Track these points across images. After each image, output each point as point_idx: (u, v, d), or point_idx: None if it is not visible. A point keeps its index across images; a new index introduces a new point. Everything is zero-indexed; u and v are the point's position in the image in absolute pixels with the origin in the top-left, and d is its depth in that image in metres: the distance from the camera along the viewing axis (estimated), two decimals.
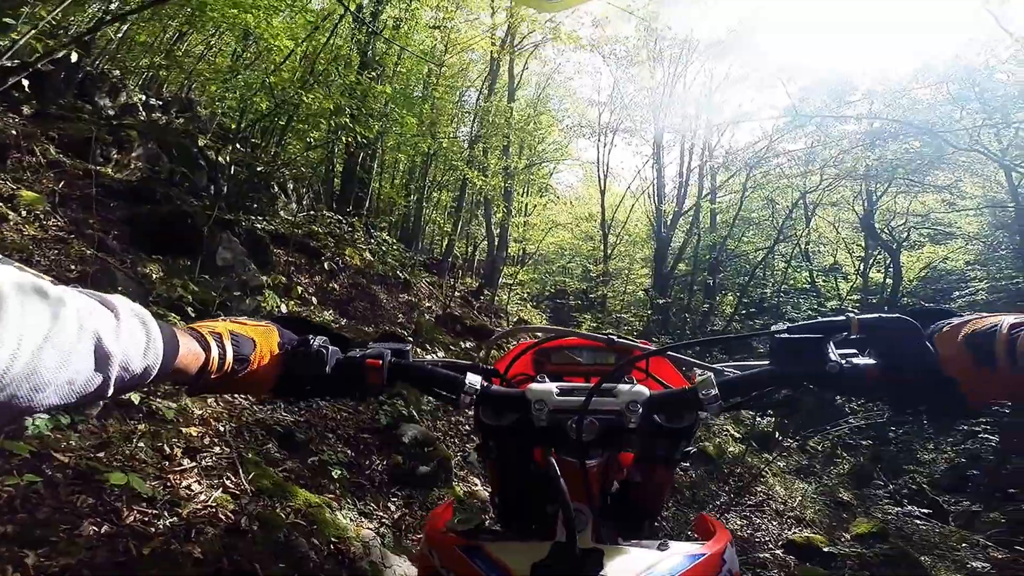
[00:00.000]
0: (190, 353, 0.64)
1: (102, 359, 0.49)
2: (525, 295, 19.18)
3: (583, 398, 0.71)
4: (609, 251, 21.04)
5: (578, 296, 25.04)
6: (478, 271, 18.26)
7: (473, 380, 0.77)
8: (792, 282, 18.50)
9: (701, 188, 18.98)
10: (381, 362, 0.79)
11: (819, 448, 9.81)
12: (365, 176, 12.08)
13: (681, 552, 0.68)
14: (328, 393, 0.82)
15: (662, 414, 0.73)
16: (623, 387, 0.74)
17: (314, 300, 8.11)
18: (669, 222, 17.07)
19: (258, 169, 9.08)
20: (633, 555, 0.67)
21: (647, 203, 23.82)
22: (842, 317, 0.70)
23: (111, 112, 9.39)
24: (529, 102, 17.44)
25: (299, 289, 7.81)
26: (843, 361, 0.68)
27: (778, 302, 19.46)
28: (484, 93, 15.22)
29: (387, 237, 10.15)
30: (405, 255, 10.68)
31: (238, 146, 9.66)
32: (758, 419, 9.57)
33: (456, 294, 13.90)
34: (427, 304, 10.88)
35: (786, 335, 0.72)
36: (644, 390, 0.74)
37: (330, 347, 0.80)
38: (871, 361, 0.68)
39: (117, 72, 10.40)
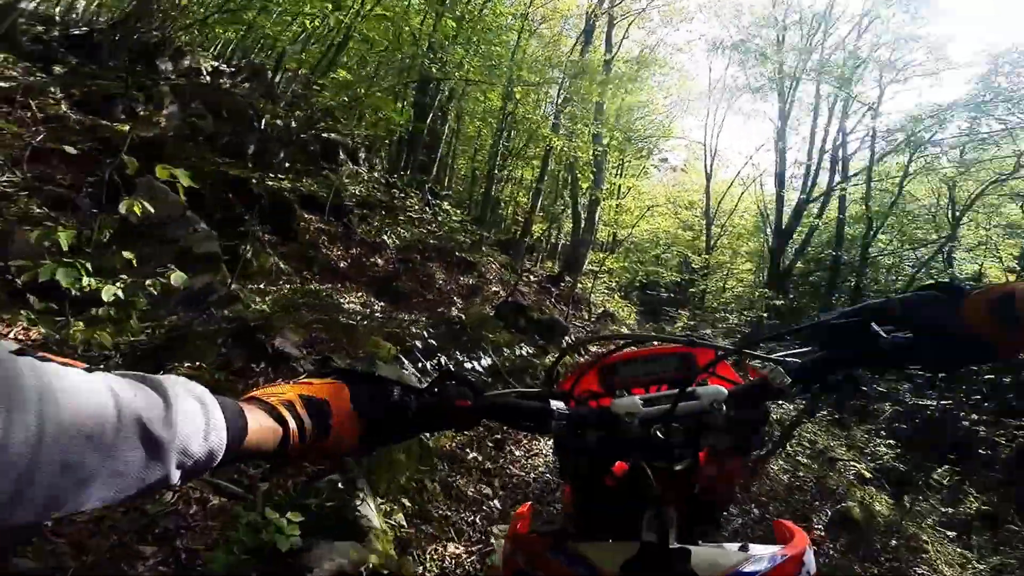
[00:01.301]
0: (263, 429, 0.57)
1: (152, 448, 0.44)
2: (612, 284, 16.91)
3: (666, 406, 0.72)
4: (712, 242, 18.20)
5: (671, 289, 22.34)
6: (561, 256, 16.22)
7: (559, 406, 0.75)
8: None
9: (833, 173, 15.46)
10: (470, 403, 0.75)
11: (944, 483, 7.25)
12: (434, 142, 10.40)
13: (763, 553, 0.70)
14: (411, 437, 0.78)
15: (737, 409, 0.73)
16: (702, 389, 0.74)
17: (344, 276, 6.55)
18: (791, 212, 13.92)
19: (293, 126, 7.58)
20: (718, 554, 0.69)
21: (757, 192, 20.64)
22: (885, 299, 0.72)
23: (171, 76, 8.57)
24: (628, 71, 14.90)
25: (318, 262, 6.32)
26: (890, 337, 0.69)
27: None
28: (575, 61, 12.97)
29: (448, 207, 8.34)
30: (470, 229, 8.84)
31: (287, 108, 8.33)
32: (880, 447, 7.48)
33: (532, 279, 12.00)
34: (493, 289, 9.08)
35: (836, 320, 0.74)
36: (722, 389, 0.73)
37: (402, 389, 0.72)
38: (910, 335, 0.69)
39: (185, 38, 9.99)
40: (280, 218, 6.69)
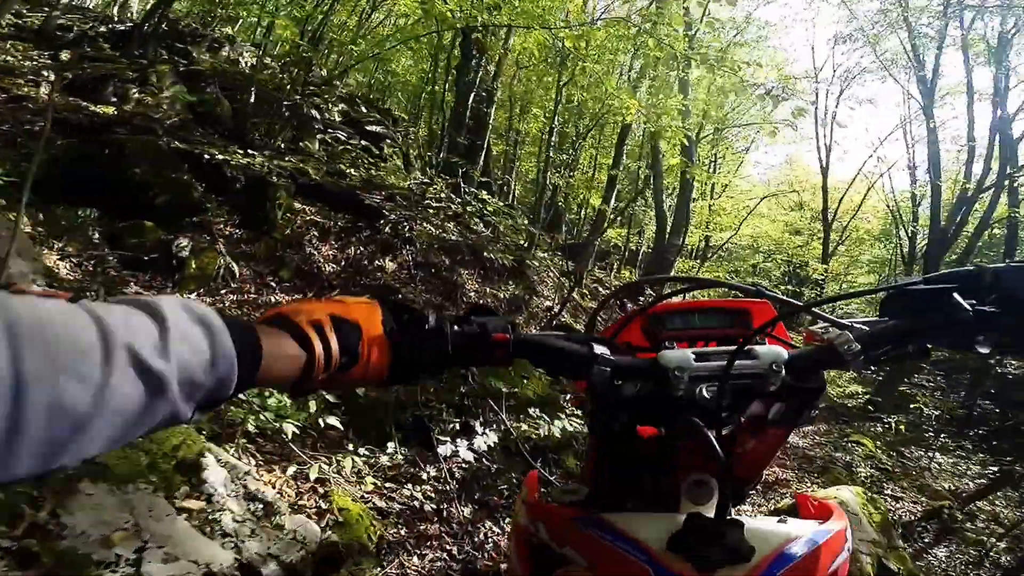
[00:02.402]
0: (284, 356, 0.50)
1: (150, 380, 0.38)
2: (704, 298, 14.20)
3: (720, 362, 0.63)
4: (830, 248, 14.86)
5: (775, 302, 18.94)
6: (642, 264, 13.68)
7: (603, 351, 0.65)
8: None
9: (990, 157, 11.59)
10: (509, 337, 0.65)
11: None
12: (479, 127, 8.42)
13: (806, 529, 0.65)
14: (442, 373, 0.66)
15: (793, 375, 0.64)
16: (761, 348, 0.65)
17: (328, 283, 4.64)
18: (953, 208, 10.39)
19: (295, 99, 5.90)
20: (768, 527, 0.63)
21: (887, 186, 16.88)
22: (972, 268, 0.62)
23: (195, 63, 7.63)
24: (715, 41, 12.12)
25: (293, 263, 4.48)
26: (972, 309, 0.59)
27: None
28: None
29: (488, 197, 6.23)
30: (518, 224, 6.69)
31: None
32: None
33: (601, 291, 9.65)
34: (547, 304, 6.91)
35: (915, 286, 0.65)
36: (782, 351, 0.64)
37: (451, 326, 0.64)
38: (998, 309, 0.59)
39: (228, 31, 9.84)
40: (256, 206, 4.95)
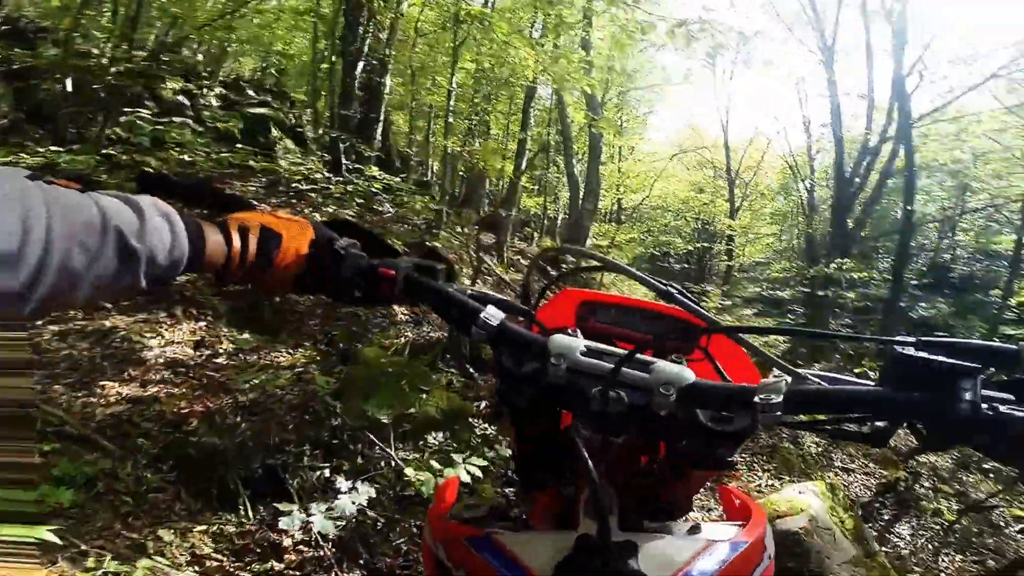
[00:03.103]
0: (215, 247, 0.59)
1: (128, 256, 0.48)
2: (625, 261, 13.97)
3: (609, 365, 0.55)
4: (736, 205, 15.11)
5: (684, 259, 19.32)
6: (562, 231, 13.24)
7: (493, 313, 0.60)
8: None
9: (892, 111, 11.69)
10: (395, 273, 0.66)
11: None
12: (372, 99, 7.43)
13: (719, 539, 0.57)
14: (343, 297, 0.69)
15: (707, 410, 0.53)
16: (664, 364, 0.54)
17: (178, 291, 3.70)
18: (854, 162, 10.52)
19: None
20: (669, 546, 0.55)
21: (786, 142, 17.39)
22: (1013, 346, 0.46)
23: None
24: None
25: None
26: (982, 403, 0.42)
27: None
28: None
29: (379, 173, 5.32)
30: (417, 199, 5.87)
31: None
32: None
33: (523, 262, 9.07)
34: (466, 283, 6.21)
35: (911, 352, 0.45)
36: (688, 374, 0.53)
37: (356, 252, 0.67)
38: None
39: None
40: None
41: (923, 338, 0.49)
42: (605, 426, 0.56)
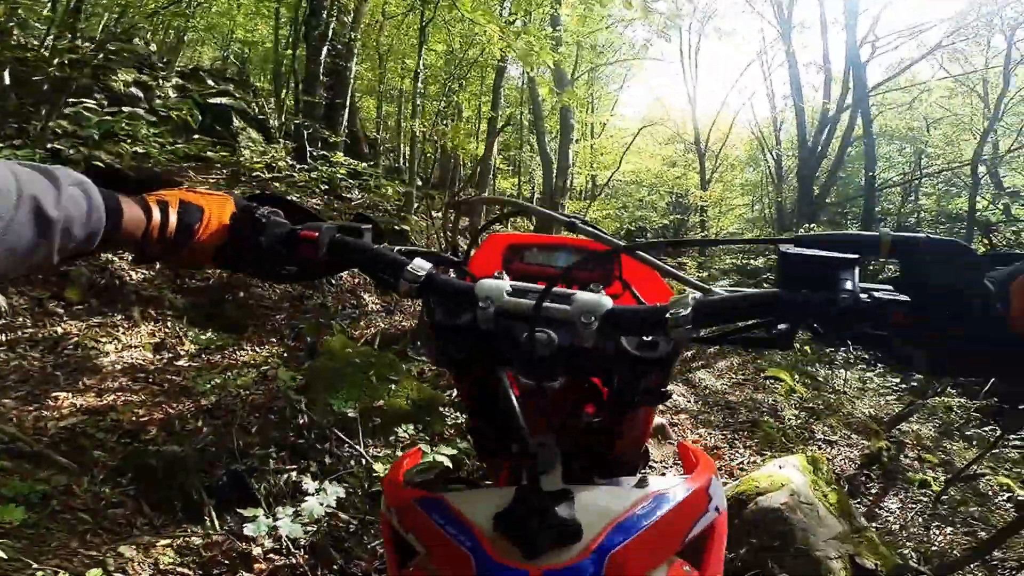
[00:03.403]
0: (133, 219, 0.57)
1: (42, 225, 0.46)
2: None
3: (531, 301, 0.53)
4: (707, 176, 15.12)
5: (660, 233, 19.35)
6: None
7: (420, 265, 0.58)
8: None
9: (847, 81, 11.78)
10: (317, 235, 0.61)
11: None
12: (337, 85, 7.14)
13: (663, 488, 0.55)
14: (267, 267, 0.64)
15: (631, 338, 0.53)
16: (583, 295, 0.54)
17: (142, 298, 3.50)
18: (815, 130, 10.51)
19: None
20: (608, 495, 0.53)
21: (752, 113, 17.43)
22: (873, 233, 0.46)
23: None
24: None
25: (83, 280, 3.29)
26: (861, 292, 0.44)
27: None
28: None
29: (344, 159, 5.09)
30: (384, 184, 5.67)
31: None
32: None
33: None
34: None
35: (793, 251, 0.48)
36: (605, 301, 0.53)
37: (277, 219, 0.64)
38: (902, 297, 0.44)
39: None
40: None
41: (800, 235, 0.50)
42: (537, 369, 0.55)
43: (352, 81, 8.08)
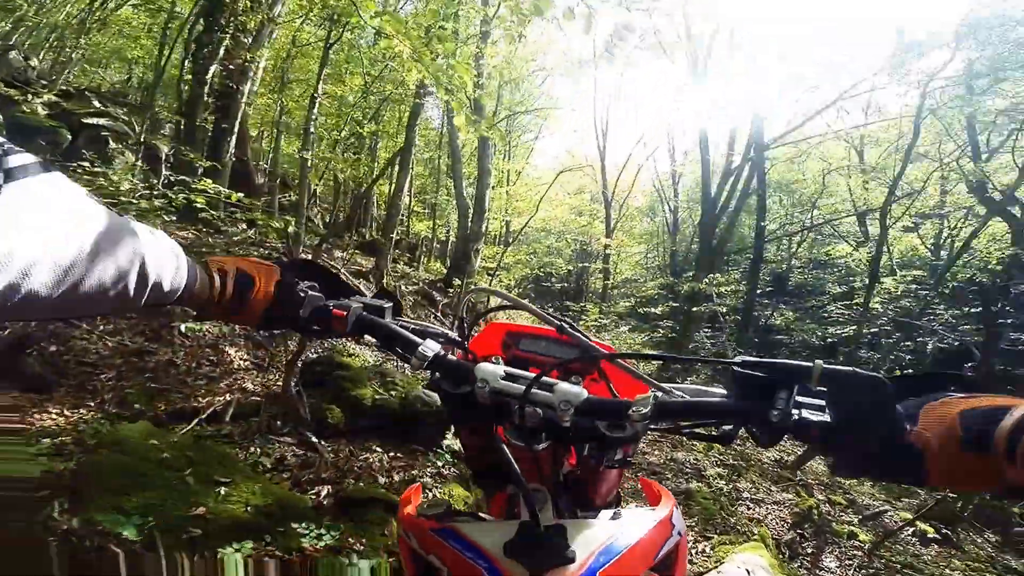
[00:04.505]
0: (203, 284, 0.66)
1: (142, 279, 0.53)
2: (512, 281, 13.60)
3: (522, 387, 0.64)
4: (612, 225, 15.46)
5: (564, 279, 19.52)
6: (450, 255, 12.58)
7: (431, 346, 0.70)
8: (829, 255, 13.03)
9: (752, 142, 12.38)
10: (346, 314, 0.74)
11: None
12: (230, 107, 6.33)
13: (634, 519, 0.66)
14: (304, 332, 0.77)
15: (602, 420, 0.63)
16: (564, 385, 0.64)
17: None
18: (718, 183, 10.85)
19: None
20: (593, 527, 0.63)
21: (654, 168, 18.31)
22: (808, 364, 0.54)
23: None
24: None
25: None
26: (792, 411, 0.53)
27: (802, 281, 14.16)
28: None
29: (211, 184, 4.22)
30: (264, 218, 4.87)
31: None
32: None
33: (406, 288, 8.25)
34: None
35: (739, 370, 0.58)
36: (581, 392, 0.63)
37: (313, 293, 0.75)
38: (825, 418, 0.52)
39: None
40: None
41: (745, 359, 0.57)
42: (526, 435, 0.66)
43: (244, 107, 7.26)
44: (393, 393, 3.58)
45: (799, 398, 0.52)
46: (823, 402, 0.52)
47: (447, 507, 0.74)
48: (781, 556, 2.96)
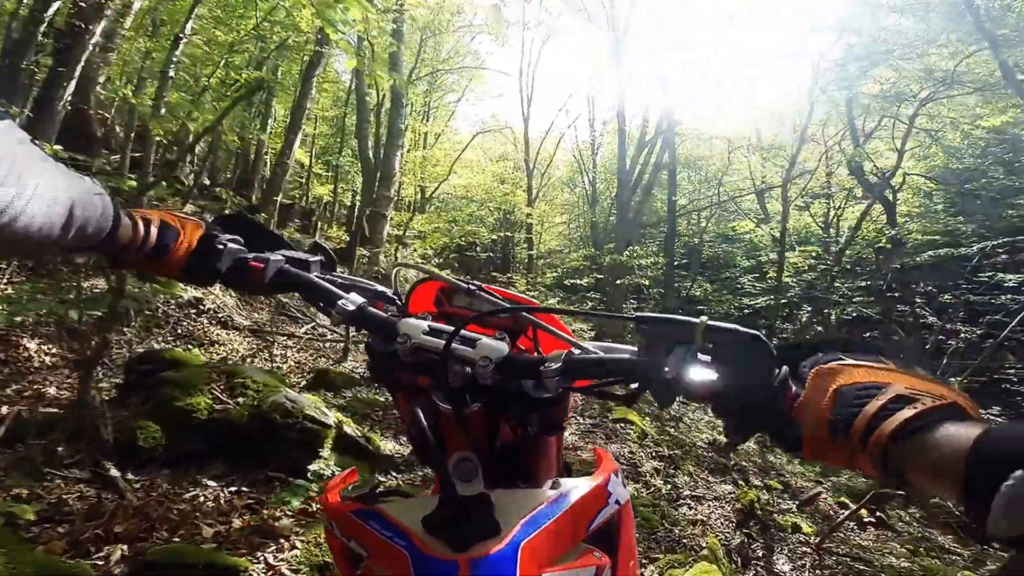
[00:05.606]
0: (127, 228, 0.64)
1: (69, 218, 0.52)
2: (428, 251, 12.60)
3: (442, 342, 0.60)
4: (534, 195, 14.82)
5: (490, 248, 18.81)
6: (350, 220, 11.32)
7: (354, 299, 0.67)
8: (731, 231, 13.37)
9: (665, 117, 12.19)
10: (264, 266, 0.71)
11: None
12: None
13: (566, 489, 0.61)
14: (225, 284, 0.74)
15: (529, 380, 0.59)
16: (485, 340, 0.60)
17: None
18: (631, 157, 10.48)
19: None
20: (523, 497, 0.59)
21: (575, 137, 17.81)
22: (696, 320, 0.51)
23: None
24: None
25: None
26: (679, 369, 0.50)
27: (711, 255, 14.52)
28: None
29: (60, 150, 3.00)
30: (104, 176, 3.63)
31: None
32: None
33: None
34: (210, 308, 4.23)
35: (641, 325, 0.55)
36: (502, 347, 0.59)
37: (233, 246, 0.72)
38: (711, 376, 0.49)
39: None
40: None
41: (643, 315, 0.54)
42: (452, 396, 0.60)
43: (91, 49, 5.65)
44: (241, 400, 2.68)
45: (698, 356, 0.49)
46: (710, 357, 0.49)
47: (374, 488, 0.69)
48: (734, 565, 2.71)
